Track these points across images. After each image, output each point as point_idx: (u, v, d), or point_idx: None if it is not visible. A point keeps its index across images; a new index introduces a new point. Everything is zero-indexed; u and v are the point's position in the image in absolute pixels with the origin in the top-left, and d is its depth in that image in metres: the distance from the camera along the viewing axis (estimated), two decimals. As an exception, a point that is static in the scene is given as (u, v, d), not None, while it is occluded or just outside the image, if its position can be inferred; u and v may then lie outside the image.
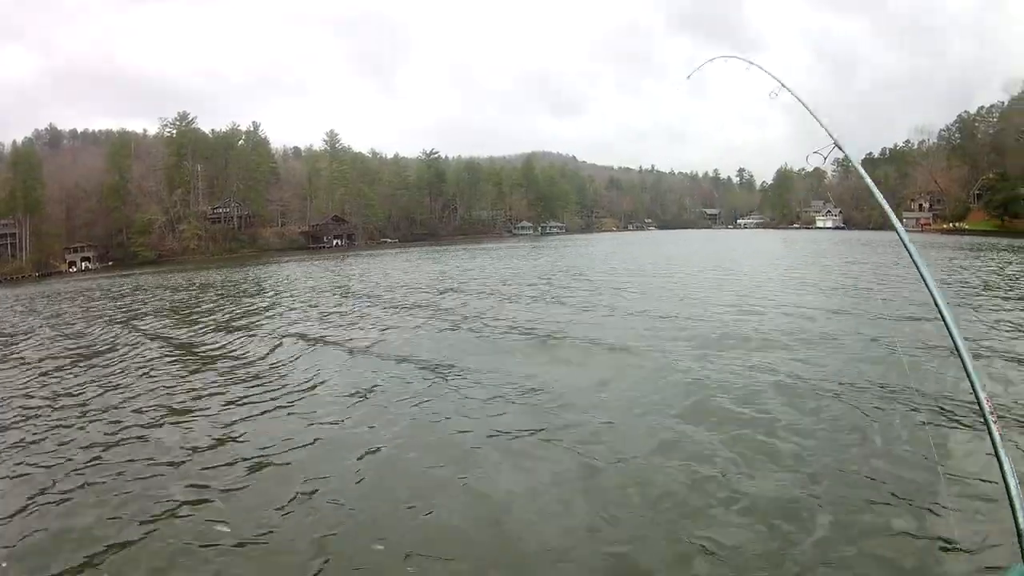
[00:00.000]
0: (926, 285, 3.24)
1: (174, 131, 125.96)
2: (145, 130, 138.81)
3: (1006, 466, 2.66)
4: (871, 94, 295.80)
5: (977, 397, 2.82)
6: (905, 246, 3.46)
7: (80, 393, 12.37)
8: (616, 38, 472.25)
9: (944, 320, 3.10)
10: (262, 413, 9.99)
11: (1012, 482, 2.55)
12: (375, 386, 11.27)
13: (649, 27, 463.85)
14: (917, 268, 3.33)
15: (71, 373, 14.65)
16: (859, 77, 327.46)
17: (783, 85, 4.94)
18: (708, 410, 8.98)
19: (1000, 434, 2.71)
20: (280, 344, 16.13)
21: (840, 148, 4.20)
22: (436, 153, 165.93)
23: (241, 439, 8.83)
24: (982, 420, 2.77)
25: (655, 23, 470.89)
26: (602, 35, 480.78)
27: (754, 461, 7.14)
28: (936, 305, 3.15)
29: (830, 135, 4.33)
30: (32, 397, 12.43)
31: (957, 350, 2.95)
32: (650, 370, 11.40)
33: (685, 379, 10.67)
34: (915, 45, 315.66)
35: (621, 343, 13.87)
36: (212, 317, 23.51)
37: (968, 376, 2.86)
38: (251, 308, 25.75)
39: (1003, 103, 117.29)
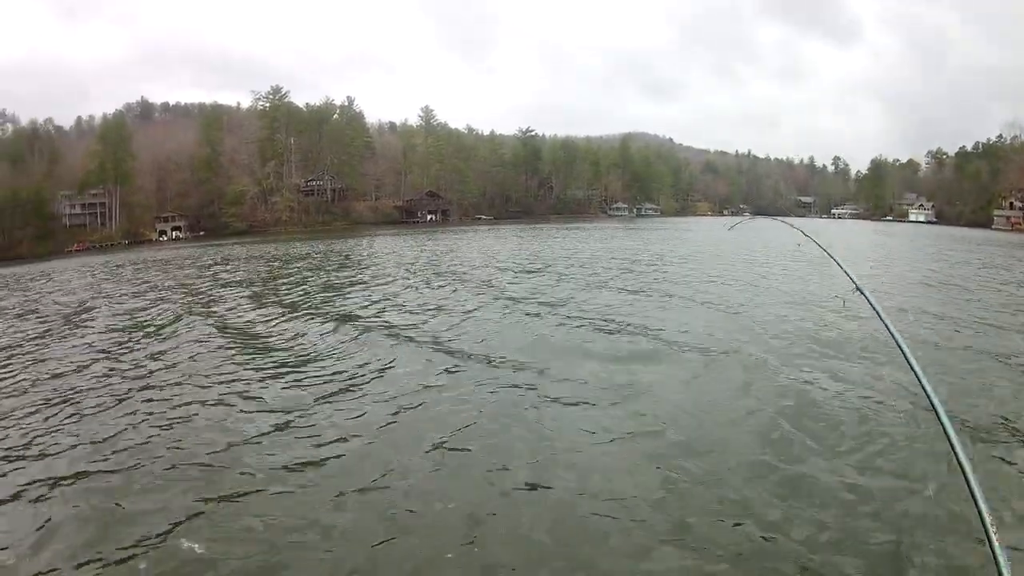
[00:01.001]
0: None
1: (267, 104, 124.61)
2: (239, 103, 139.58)
3: None
4: (963, 84, 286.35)
5: (977, 507, 2.35)
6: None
7: (147, 366, 12.26)
8: (709, 22, 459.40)
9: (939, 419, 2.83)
10: (328, 396, 9.64)
11: None
12: (448, 377, 10.54)
13: (742, 11, 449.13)
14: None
15: (139, 344, 14.66)
16: (950, 66, 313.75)
17: (806, 235, 5.89)
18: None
19: (1001, 547, 2.21)
20: (356, 327, 15.24)
21: (862, 292, 4.26)
22: (532, 131, 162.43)
23: (305, 423, 8.50)
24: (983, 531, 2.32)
25: (748, 6, 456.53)
26: (695, 18, 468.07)
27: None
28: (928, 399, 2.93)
29: (852, 280, 4.49)
30: (96, 366, 12.42)
31: (959, 463, 2.52)
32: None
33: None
34: (1010, 33, 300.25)
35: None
36: (292, 291, 23.19)
37: (968, 486, 2.38)
38: (335, 283, 25.33)
39: None
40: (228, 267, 35.90)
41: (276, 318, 16.68)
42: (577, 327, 13.98)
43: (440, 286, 21.72)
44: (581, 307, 16.58)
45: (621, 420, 8.12)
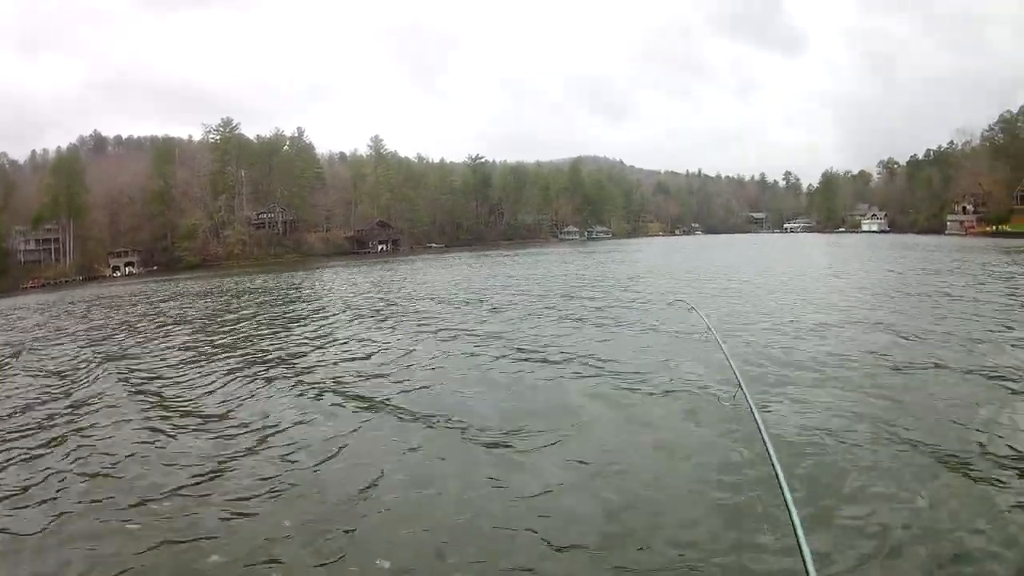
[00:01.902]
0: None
1: (218, 137, 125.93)
2: (190, 136, 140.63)
3: None
4: (916, 94, 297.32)
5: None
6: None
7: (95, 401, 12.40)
8: (659, 41, 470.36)
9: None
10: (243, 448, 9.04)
11: None
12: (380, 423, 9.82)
13: (692, 29, 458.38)
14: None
15: (89, 377, 14.81)
16: (903, 77, 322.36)
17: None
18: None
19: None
20: (288, 371, 14.55)
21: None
22: (482, 158, 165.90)
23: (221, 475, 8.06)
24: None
25: (697, 25, 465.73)
26: (646, 39, 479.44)
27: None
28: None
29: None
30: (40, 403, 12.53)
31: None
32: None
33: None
34: (960, 43, 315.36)
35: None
36: (231, 330, 22.58)
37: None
38: (275, 320, 24.75)
39: None
40: (175, 304, 36.81)
41: (205, 362, 16.12)
42: (518, 359, 13.57)
43: (382, 322, 21.32)
44: (519, 337, 16.30)
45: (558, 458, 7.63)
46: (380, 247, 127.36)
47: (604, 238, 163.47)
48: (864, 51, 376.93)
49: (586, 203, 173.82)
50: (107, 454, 9.03)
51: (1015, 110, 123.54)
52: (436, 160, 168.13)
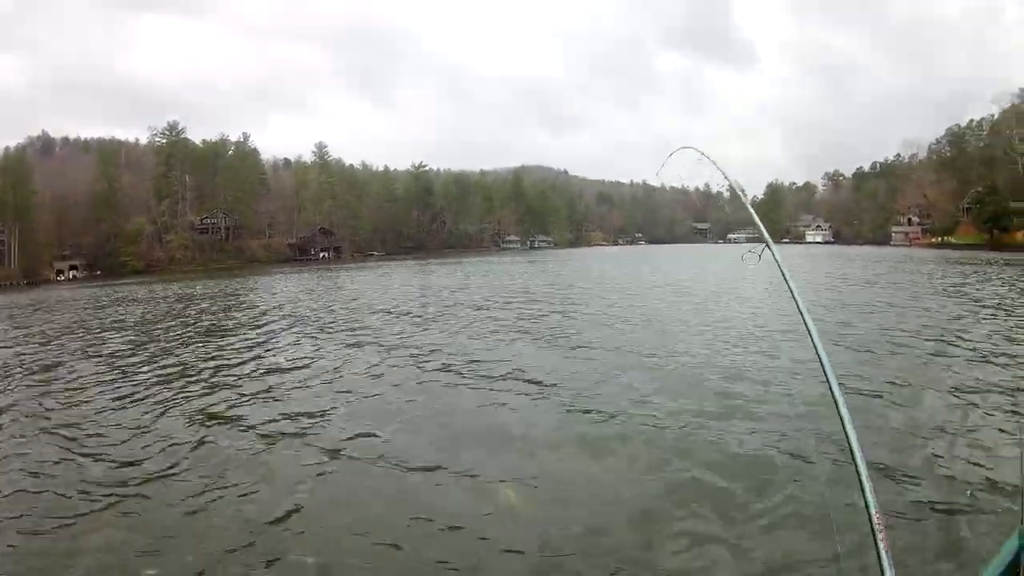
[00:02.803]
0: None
1: (164, 140, 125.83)
2: (137, 139, 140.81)
3: None
4: (865, 107, 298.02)
5: (866, 503, 2.32)
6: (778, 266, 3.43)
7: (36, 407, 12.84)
8: (610, 53, 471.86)
9: (833, 397, 2.75)
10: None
11: None
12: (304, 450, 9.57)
13: (643, 42, 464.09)
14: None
15: (24, 386, 15.22)
16: (853, 90, 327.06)
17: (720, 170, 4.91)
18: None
19: (887, 551, 2.22)
20: (235, 366, 15.99)
21: (770, 249, 3.79)
22: (425, 166, 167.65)
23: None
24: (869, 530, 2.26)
25: (648, 38, 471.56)
26: (596, 50, 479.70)
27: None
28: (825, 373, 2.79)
29: (758, 225, 4.09)
30: None
31: (851, 450, 2.49)
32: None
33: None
34: (909, 59, 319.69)
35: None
36: (171, 335, 23.51)
37: (859, 478, 2.35)
38: (215, 326, 25.82)
39: (993, 116, 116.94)
40: (112, 311, 36.41)
41: (129, 374, 15.75)
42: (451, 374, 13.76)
43: (315, 334, 21.14)
44: (449, 352, 16.39)
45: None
46: (322, 254, 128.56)
47: (546, 247, 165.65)
48: (813, 65, 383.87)
49: (528, 213, 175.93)
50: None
51: (963, 124, 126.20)
52: (380, 168, 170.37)
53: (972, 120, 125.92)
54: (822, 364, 2.94)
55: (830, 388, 2.83)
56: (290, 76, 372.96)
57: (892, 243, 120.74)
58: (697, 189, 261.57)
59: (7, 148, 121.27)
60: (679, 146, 5.03)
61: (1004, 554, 3.37)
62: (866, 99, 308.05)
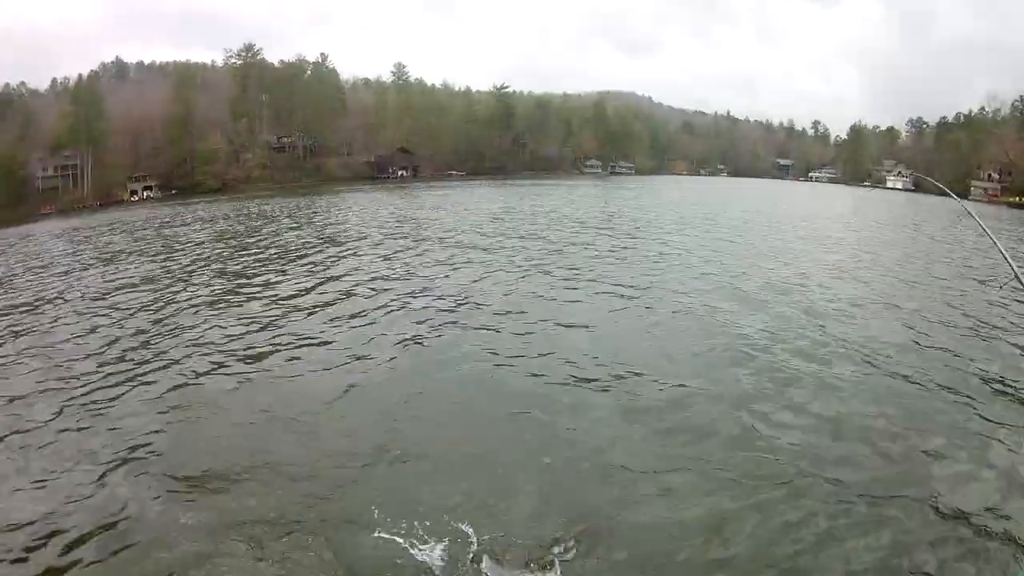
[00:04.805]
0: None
1: (239, 62, 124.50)
2: (213, 61, 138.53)
3: None
4: (945, 56, 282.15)
5: None
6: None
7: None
8: None
9: None
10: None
11: None
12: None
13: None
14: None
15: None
16: (933, 38, 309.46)
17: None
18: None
19: None
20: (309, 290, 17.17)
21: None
22: (507, 87, 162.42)
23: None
24: None
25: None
26: None
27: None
28: None
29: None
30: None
31: None
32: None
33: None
34: (993, 11, 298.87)
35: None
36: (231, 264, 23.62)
37: None
38: (279, 254, 25.57)
39: None
40: (182, 228, 37.61)
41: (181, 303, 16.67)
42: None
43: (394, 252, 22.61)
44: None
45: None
46: (400, 173, 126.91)
47: (627, 174, 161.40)
48: (898, 8, 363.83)
49: (610, 138, 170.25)
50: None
51: None
52: (462, 88, 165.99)
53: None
54: None
55: None
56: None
57: (971, 197, 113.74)
58: (781, 124, 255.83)
59: (79, 76, 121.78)
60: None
61: None
62: (947, 47, 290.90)
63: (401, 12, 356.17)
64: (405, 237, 22.53)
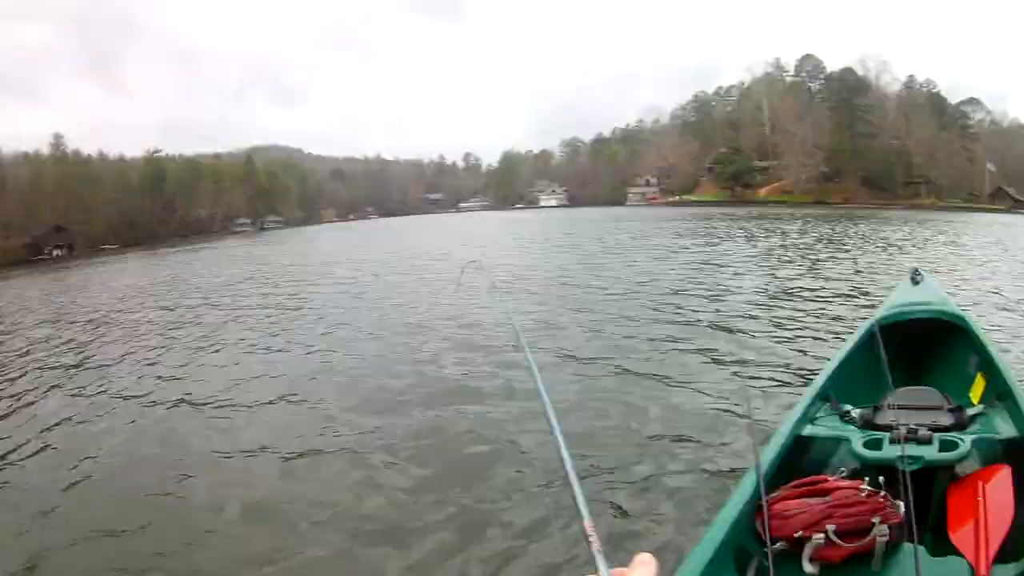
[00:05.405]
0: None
1: None
2: None
3: None
4: (608, 80, 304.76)
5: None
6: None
7: None
8: (339, 22, 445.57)
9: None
10: None
11: None
12: None
13: (374, 11, 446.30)
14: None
15: None
16: (598, 63, 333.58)
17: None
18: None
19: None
20: None
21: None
22: (160, 151, 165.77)
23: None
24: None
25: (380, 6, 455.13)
26: (327, 22, 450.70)
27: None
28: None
29: None
30: None
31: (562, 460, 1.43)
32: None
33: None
34: (653, 34, 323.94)
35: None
36: None
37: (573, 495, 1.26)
38: None
39: (743, 83, 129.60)
40: None
41: None
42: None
43: None
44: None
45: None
46: (56, 252, 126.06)
47: (277, 228, 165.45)
48: (555, 37, 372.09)
49: (260, 194, 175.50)
50: None
51: (710, 91, 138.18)
52: (116, 156, 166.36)
53: (720, 87, 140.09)
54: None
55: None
56: (26, 64, 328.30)
57: (627, 203, 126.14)
58: (432, 161, 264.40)
59: None
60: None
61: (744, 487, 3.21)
62: (609, 72, 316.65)
63: (58, 78, 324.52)
64: None
